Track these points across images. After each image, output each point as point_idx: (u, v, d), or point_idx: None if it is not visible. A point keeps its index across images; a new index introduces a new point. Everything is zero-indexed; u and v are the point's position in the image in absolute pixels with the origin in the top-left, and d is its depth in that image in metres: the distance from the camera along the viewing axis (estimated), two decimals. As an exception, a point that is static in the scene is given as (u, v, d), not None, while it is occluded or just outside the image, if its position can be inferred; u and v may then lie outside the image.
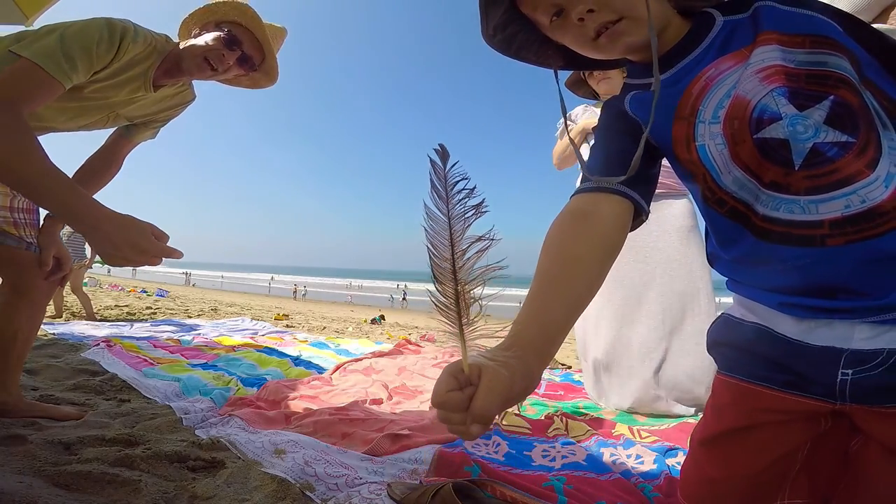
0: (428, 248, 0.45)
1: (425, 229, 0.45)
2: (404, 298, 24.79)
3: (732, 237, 0.59)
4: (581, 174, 0.70)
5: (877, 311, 0.49)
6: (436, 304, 0.44)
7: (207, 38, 1.12)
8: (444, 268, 0.44)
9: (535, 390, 1.85)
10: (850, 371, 0.50)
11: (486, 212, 0.44)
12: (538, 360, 0.46)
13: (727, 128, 0.54)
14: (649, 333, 1.57)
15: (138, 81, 1.11)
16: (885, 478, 0.52)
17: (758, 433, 0.60)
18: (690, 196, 1.60)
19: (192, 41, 1.14)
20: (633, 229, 0.64)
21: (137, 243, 0.82)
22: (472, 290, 0.44)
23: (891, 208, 0.47)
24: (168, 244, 0.86)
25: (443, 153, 0.45)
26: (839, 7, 0.55)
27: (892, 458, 0.51)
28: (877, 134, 0.49)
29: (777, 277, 0.56)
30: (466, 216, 0.44)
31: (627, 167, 0.59)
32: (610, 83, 1.65)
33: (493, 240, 0.44)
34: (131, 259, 0.82)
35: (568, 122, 1.86)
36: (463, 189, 0.44)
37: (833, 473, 0.58)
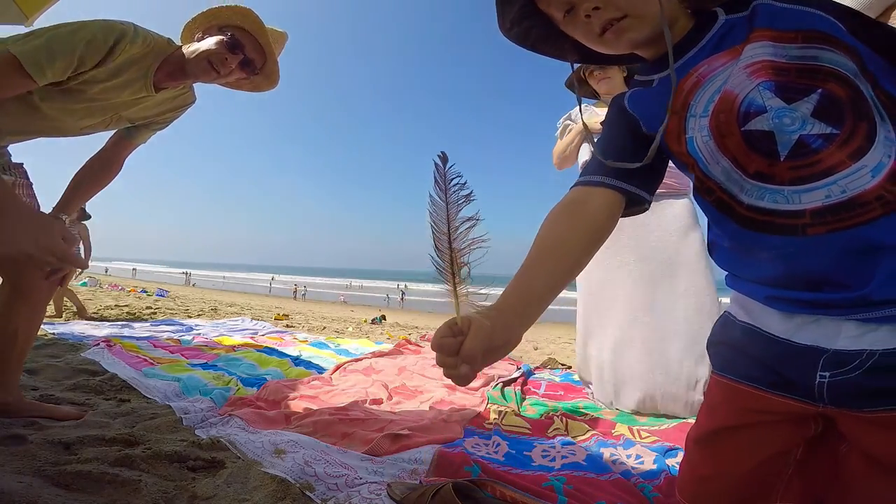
0: (431, 225, 0.58)
1: (429, 212, 0.58)
2: (402, 298, 24.89)
3: (722, 227, 0.61)
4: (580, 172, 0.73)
5: (862, 306, 0.48)
6: (436, 268, 0.57)
7: (210, 41, 1.13)
8: (443, 240, 0.58)
9: (535, 390, 1.86)
10: (827, 374, 0.51)
11: (473, 200, 0.58)
12: (517, 319, 0.55)
13: (713, 120, 0.56)
14: (651, 333, 1.57)
15: (139, 83, 1.12)
16: (867, 482, 0.52)
17: (747, 433, 0.60)
18: (692, 196, 1.60)
19: (196, 45, 1.15)
20: (633, 215, 0.70)
21: (39, 240, 0.84)
22: (463, 256, 0.57)
23: (873, 198, 0.47)
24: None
25: (444, 157, 0.58)
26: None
27: (871, 463, 0.51)
28: (866, 125, 0.49)
29: (763, 268, 0.57)
30: (459, 202, 0.58)
31: (622, 162, 0.65)
32: (610, 83, 1.65)
33: (478, 220, 0.58)
34: (32, 255, 0.84)
35: (569, 122, 1.87)
36: (457, 183, 0.58)
37: (827, 477, 0.58)
